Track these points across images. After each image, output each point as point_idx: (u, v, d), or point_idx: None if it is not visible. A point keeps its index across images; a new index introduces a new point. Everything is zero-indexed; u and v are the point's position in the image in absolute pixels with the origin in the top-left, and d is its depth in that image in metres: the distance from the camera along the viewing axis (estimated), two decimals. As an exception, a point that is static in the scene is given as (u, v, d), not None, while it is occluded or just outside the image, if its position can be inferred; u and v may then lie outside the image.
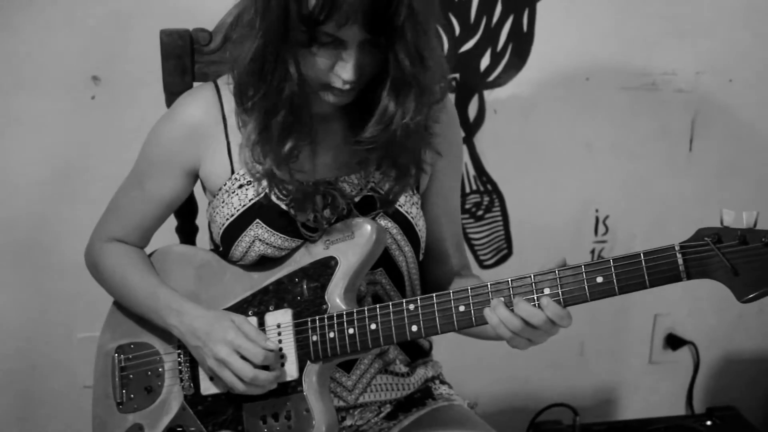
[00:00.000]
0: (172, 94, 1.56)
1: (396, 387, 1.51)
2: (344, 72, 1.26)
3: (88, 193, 2.01)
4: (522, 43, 2.14)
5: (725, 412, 2.18)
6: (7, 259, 2.08)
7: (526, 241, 2.29)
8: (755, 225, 1.14)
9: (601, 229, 2.32)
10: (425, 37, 1.28)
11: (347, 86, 1.28)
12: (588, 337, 2.36)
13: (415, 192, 1.45)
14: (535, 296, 1.24)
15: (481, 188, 2.23)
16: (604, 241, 2.32)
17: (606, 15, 2.16)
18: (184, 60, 1.55)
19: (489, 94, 2.16)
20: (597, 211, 2.31)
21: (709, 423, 2.13)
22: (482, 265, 2.28)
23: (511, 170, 2.25)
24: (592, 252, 2.32)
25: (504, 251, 2.29)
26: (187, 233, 1.67)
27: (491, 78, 2.15)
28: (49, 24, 1.94)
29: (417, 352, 1.56)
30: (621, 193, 2.30)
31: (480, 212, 2.24)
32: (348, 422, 1.48)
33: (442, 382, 1.59)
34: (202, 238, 1.64)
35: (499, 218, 2.27)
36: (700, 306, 2.39)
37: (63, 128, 2.01)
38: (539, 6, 2.12)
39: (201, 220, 1.63)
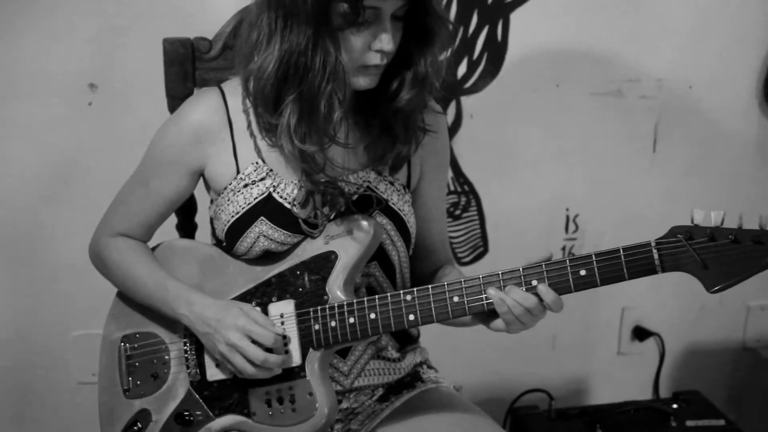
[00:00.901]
0: (174, 98, 1.60)
1: (388, 371, 1.57)
2: (386, 44, 1.32)
3: (83, 195, 2.05)
4: (496, 52, 2.18)
5: (690, 395, 2.24)
6: (3, 259, 2.10)
7: (501, 239, 2.34)
8: (722, 223, 1.24)
9: (572, 227, 2.37)
10: None
11: (385, 60, 1.34)
12: (560, 330, 2.41)
13: (407, 191, 1.52)
14: (523, 287, 1.33)
15: (459, 189, 2.27)
16: (574, 239, 2.38)
17: (574, 26, 2.21)
18: (186, 67, 1.59)
19: (465, 100, 2.20)
20: (567, 210, 2.36)
21: (675, 406, 2.20)
22: (460, 262, 2.33)
23: (487, 172, 2.29)
24: (563, 249, 2.38)
25: (480, 249, 2.34)
26: (187, 230, 1.70)
27: (468, 85, 2.19)
28: (48, 33, 1.97)
29: (406, 339, 1.62)
30: (590, 192, 2.35)
31: (457, 212, 2.29)
32: (344, 405, 1.53)
33: (430, 367, 1.65)
34: (200, 235, 1.68)
35: (476, 217, 2.32)
36: (664, 300, 2.44)
37: (60, 133, 2.04)
38: (512, 17, 2.17)
39: (199, 218, 1.68)
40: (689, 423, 2.11)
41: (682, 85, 2.32)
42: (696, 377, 2.52)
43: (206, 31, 1.62)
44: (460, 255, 2.35)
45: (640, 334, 2.47)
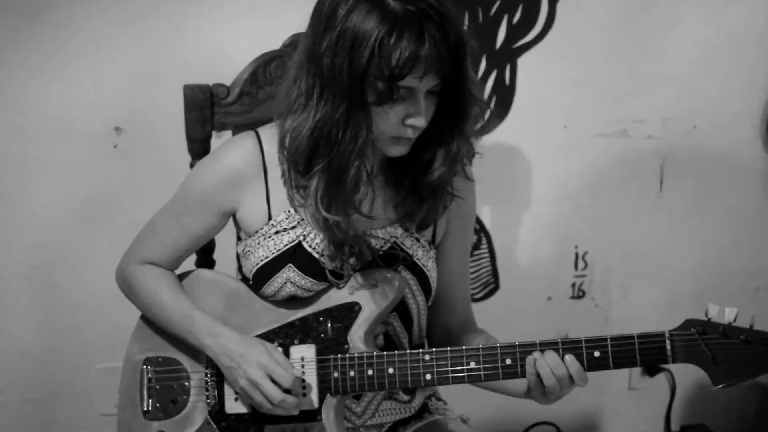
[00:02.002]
0: (194, 142, 1.65)
1: (400, 411, 1.60)
2: (418, 120, 1.33)
3: (108, 232, 2.07)
4: (505, 95, 2.23)
5: (697, 429, 2.27)
6: (30, 294, 2.14)
7: (512, 276, 2.37)
8: (735, 320, 1.30)
9: (581, 264, 2.40)
10: (471, 70, 1.37)
11: (416, 134, 1.36)
12: (571, 366, 2.46)
13: (432, 247, 1.54)
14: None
15: None
16: (584, 275, 2.41)
17: (580, 68, 2.25)
18: (205, 111, 1.63)
19: (475, 141, 2.24)
20: (576, 247, 2.39)
21: None
22: (472, 298, 2.32)
23: (497, 210, 2.32)
24: (573, 285, 2.41)
25: (492, 285, 2.37)
26: (206, 266, 1.71)
27: (477, 126, 2.23)
28: (76, 79, 2.04)
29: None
30: (598, 230, 2.38)
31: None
32: None
33: (438, 399, 1.68)
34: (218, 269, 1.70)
35: (486, 255, 2.35)
36: None
37: (87, 174, 2.10)
38: (520, 62, 2.22)
39: (217, 254, 1.71)
40: None
41: (687, 125, 2.36)
42: (705, 412, 2.52)
43: (225, 76, 1.68)
44: (472, 291, 2.33)
45: (651, 369, 2.49)
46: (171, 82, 1.70)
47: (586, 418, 2.51)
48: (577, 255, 2.41)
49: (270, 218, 1.48)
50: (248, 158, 1.47)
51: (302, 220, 1.47)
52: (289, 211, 1.48)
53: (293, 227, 1.48)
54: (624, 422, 2.51)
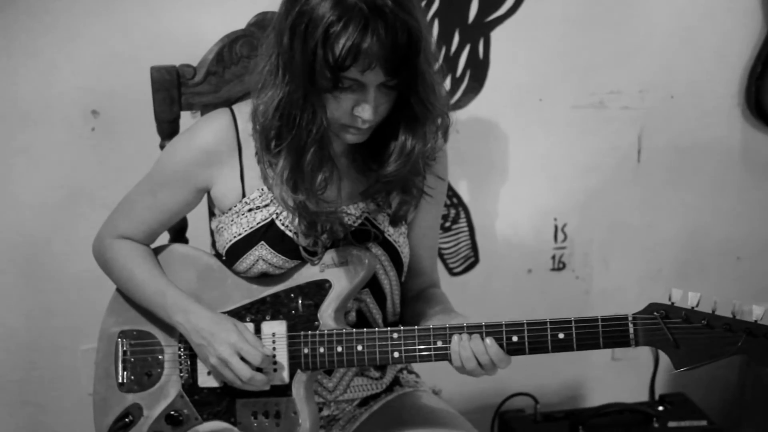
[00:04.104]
0: (163, 123, 1.68)
1: (371, 387, 1.62)
2: (365, 113, 1.33)
3: (88, 215, 2.00)
4: (479, 69, 2.22)
5: (675, 397, 2.27)
6: (13, 277, 2.16)
7: (492, 250, 2.38)
8: (698, 305, 1.32)
9: (561, 236, 2.41)
10: (433, 71, 1.37)
11: (366, 125, 1.36)
12: (554, 338, 2.47)
13: (404, 223, 1.56)
14: (504, 342, 1.38)
15: (448, 201, 2.31)
16: (563, 248, 2.41)
17: (553, 40, 2.24)
18: (172, 92, 1.65)
19: (451, 116, 2.26)
20: (556, 219, 2.39)
21: (660, 408, 2.22)
22: (452, 272, 2.37)
23: (475, 184, 2.32)
24: (553, 257, 2.42)
25: (471, 259, 2.38)
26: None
27: (452, 101, 2.22)
28: (52, 64, 2.05)
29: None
30: (577, 203, 2.38)
31: (447, 224, 2.33)
32: (325, 413, 1.59)
33: (410, 372, 1.71)
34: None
35: (465, 228, 2.36)
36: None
37: (66, 158, 2.10)
38: (493, 35, 2.21)
39: (190, 233, 1.74)
40: (671, 424, 2.14)
41: (664, 95, 2.35)
42: (689, 382, 2.50)
43: (196, 57, 1.68)
44: (451, 266, 2.39)
45: (634, 339, 2.50)
46: (144, 63, 1.71)
47: (568, 389, 2.53)
48: (556, 227, 2.41)
49: (244, 196, 1.49)
50: (223, 135, 1.48)
51: (275, 198, 1.48)
52: (262, 189, 1.49)
53: (266, 205, 1.49)
54: (606, 392, 2.51)
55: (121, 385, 1.56)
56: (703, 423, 2.15)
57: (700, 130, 2.40)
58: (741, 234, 2.51)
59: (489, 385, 2.26)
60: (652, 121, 2.36)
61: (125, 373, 1.56)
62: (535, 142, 2.33)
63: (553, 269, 2.44)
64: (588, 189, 2.39)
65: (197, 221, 1.75)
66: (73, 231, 2.14)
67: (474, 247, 2.39)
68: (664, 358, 2.46)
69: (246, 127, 1.47)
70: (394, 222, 1.53)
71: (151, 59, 1.69)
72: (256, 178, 1.48)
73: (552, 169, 2.36)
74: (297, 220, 1.47)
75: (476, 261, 2.40)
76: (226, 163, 1.48)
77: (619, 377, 2.54)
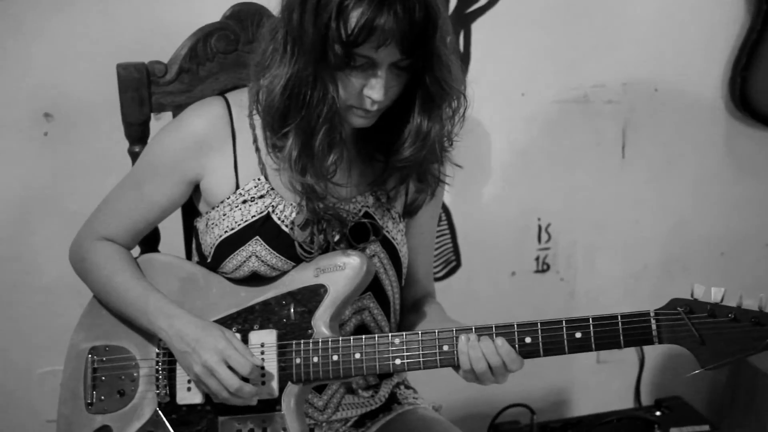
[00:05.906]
0: (131, 125, 1.59)
1: (365, 404, 1.55)
2: (375, 92, 1.30)
3: (45, 226, 2.02)
4: (460, 63, 2.21)
5: (672, 401, 2.26)
6: None
7: (474, 253, 2.34)
8: (722, 300, 1.26)
9: (544, 236, 2.38)
10: (448, 51, 1.34)
11: (375, 106, 1.33)
12: (539, 342, 2.44)
13: (401, 220, 1.51)
14: (516, 344, 1.32)
15: None
16: (547, 248, 2.39)
17: (536, 33, 2.23)
18: (141, 91, 1.57)
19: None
20: (539, 219, 2.37)
21: (658, 413, 2.21)
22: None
23: (456, 184, 2.26)
24: (537, 259, 2.39)
25: (453, 263, 2.35)
26: None
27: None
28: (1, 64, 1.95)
29: (383, 375, 1.58)
30: (560, 201, 2.37)
31: None
32: None
33: (407, 387, 1.63)
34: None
35: (447, 231, 2.32)
36: (641, 305, 2.44)
37: (18, 165, 2.01)
38: (474, 27, 2.18)
39: (162, 246, 1.64)
40: (673, 430, 2.13)
41: (648, 88, 2.34)
42: (676, 383, 2.52)
43: (164, 54, 1.60)
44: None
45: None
46: (104, 62, 1.63)
47: (555, 394, 2.51)
48: (540, 227, 2.39)
49: (238, 187, 1.43)
50: (216, 123, 1.43)
51: (272, 189, 1.43)
52: (258, 179, 1.43)
53: (261, 196, 1.43)
54: (594, 397, 2.50)
55: (89, 405, 1.47)
56: (706, 428, 2.12)
57: (683, 123, 2.41)
58: (725, 229, 2.52)
59: (481, 397, 2.21)
60: (636, 115, 2.37)
61: (94, 392, 1.47)
62: (517, 137, 2.32)
63: (537, 271, 2.43)
64: (572, 187, 2.38)
65: (172, 236, 1.66)
66: (29, 245, 2.05)
67: (456, 250, 2.36)
68: (649, 358, 2.51)
69: (241, 114, 1.43)
70: (409, 213, 1.50)
71: (110, 57, 1.62)
72: (251, 167, 1.43)
73: (535, 166, 2.34)
74: (295, 213, 1.41)
75: (458, 265, 2.37)
76: (219, 151, 1.43)
77: (606, 380, 2.52)
